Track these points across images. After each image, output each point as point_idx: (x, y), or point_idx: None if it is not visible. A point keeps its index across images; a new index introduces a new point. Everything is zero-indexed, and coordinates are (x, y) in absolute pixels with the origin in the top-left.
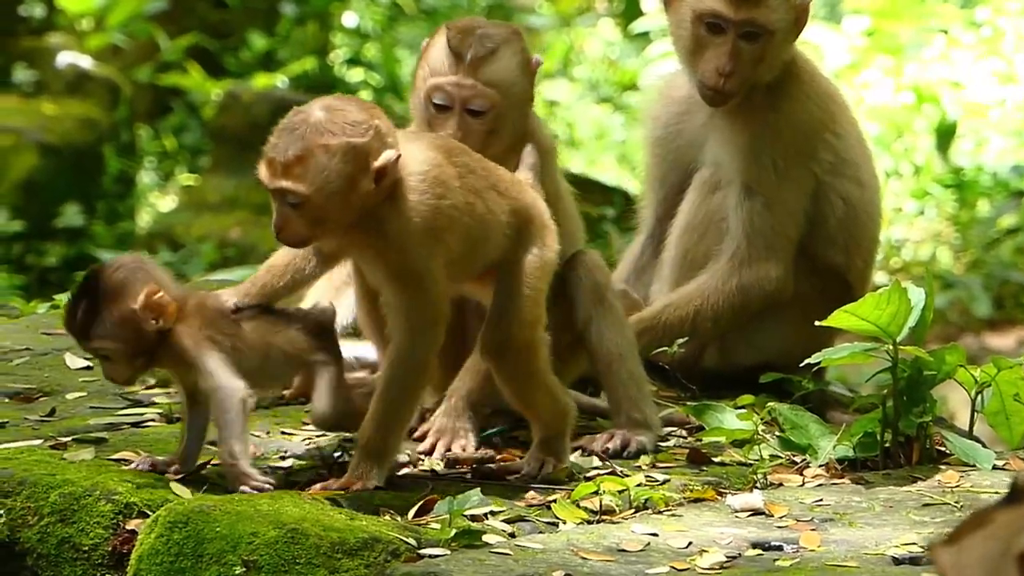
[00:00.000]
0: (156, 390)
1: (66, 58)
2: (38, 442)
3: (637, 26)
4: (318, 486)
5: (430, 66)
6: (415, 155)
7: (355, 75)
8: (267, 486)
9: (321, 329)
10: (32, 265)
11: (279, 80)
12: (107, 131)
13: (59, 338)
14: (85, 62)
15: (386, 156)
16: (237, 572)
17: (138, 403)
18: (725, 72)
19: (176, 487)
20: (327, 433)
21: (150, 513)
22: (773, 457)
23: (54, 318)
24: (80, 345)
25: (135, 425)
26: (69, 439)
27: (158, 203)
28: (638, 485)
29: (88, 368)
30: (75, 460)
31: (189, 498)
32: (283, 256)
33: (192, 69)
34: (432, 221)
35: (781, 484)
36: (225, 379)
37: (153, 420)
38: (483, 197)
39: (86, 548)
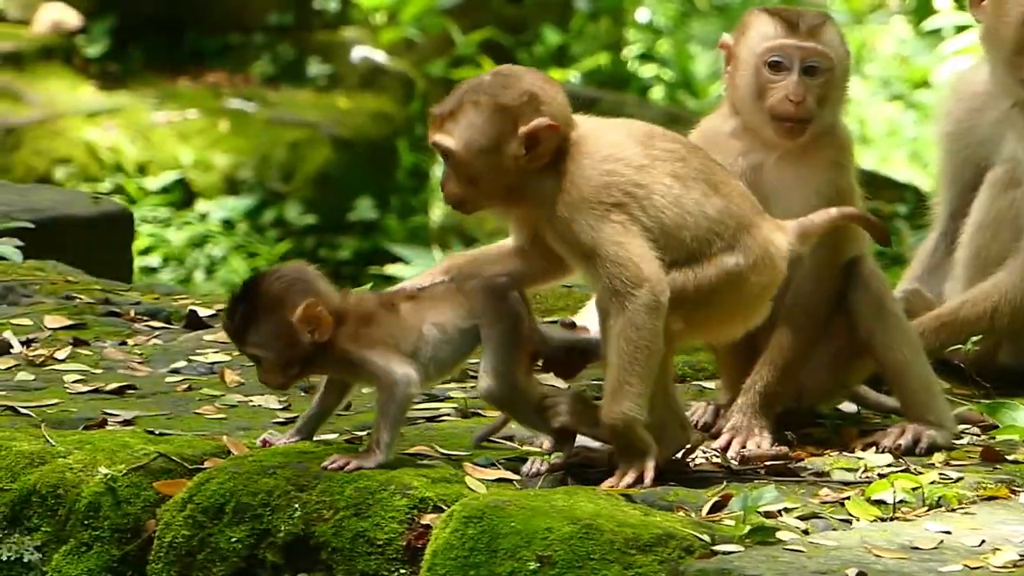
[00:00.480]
0: (452, 384)
1: (360, 52)
2: (333, 436)
3: (929, 23)
4: (607, 483)
5: (761, 34)
6: (599, 136)
7: (648, 71)
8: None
9: (492, 295)
10: (325, 259)
11: (572, 76)
12: (401, 125)
13: None
14: (379, 56)
15: (536, 122)
16: (531, 567)
17: (433, 398)
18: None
19: (471, 482)
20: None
21: (445, 508)
22: None
23: None
24: (235, 346)
25: (430, 420)
26: (364, 433)
27: None
28: (931, 483)
29: None
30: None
31: (484, 493)
32: (501, 244)
33: (485, 64)
34: (598, 194)
35: None
36: (397, 370)
37: (448, 415)
38: (687, 185)
39: (380, 542)
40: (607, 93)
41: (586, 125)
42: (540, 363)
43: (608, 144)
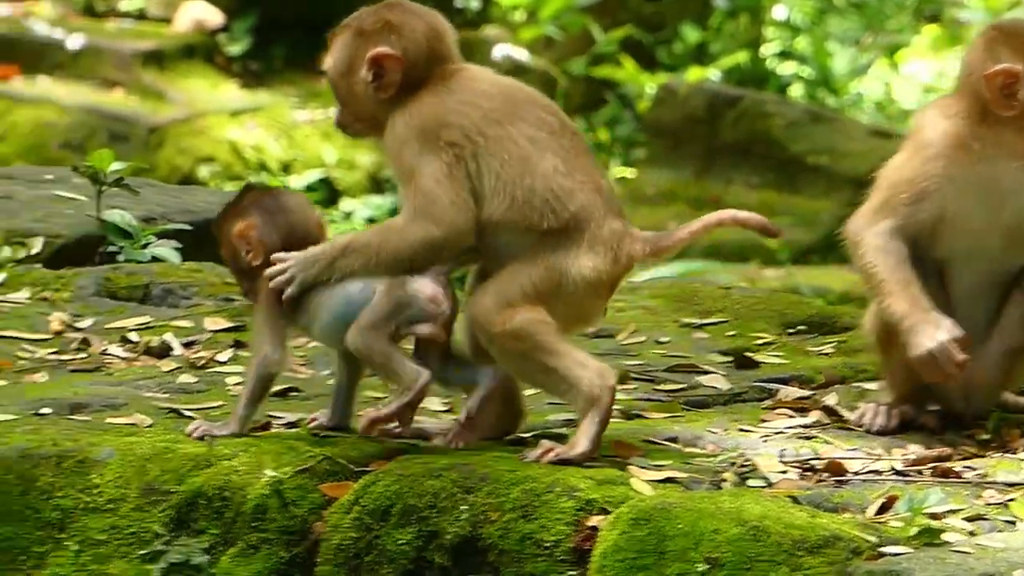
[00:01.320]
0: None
1: (502, 50)
2: (527, 435)
3: None
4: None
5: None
6: (472, 82)
7: (787, 68)
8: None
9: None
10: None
11: (712, 73)
12: None
13: None
14: (520, 54)
15: (377, 50)
16: (699, 569)
17: None
18: None
19: (636, 483)
20: None
21: (611, 509)
22: None
23: None
24: None
25: None
26: (529, 435)
27: None
28: None
29: None
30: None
31: (650, 494)
32: None
33: (625, 62)
34: (438, 128)
35: None
36: (264, 346)
37: (615, 418)
38: (543, 154)
39: (548, 544)
40: (747, 91)
41: (470, 71)
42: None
43: (474, 90)
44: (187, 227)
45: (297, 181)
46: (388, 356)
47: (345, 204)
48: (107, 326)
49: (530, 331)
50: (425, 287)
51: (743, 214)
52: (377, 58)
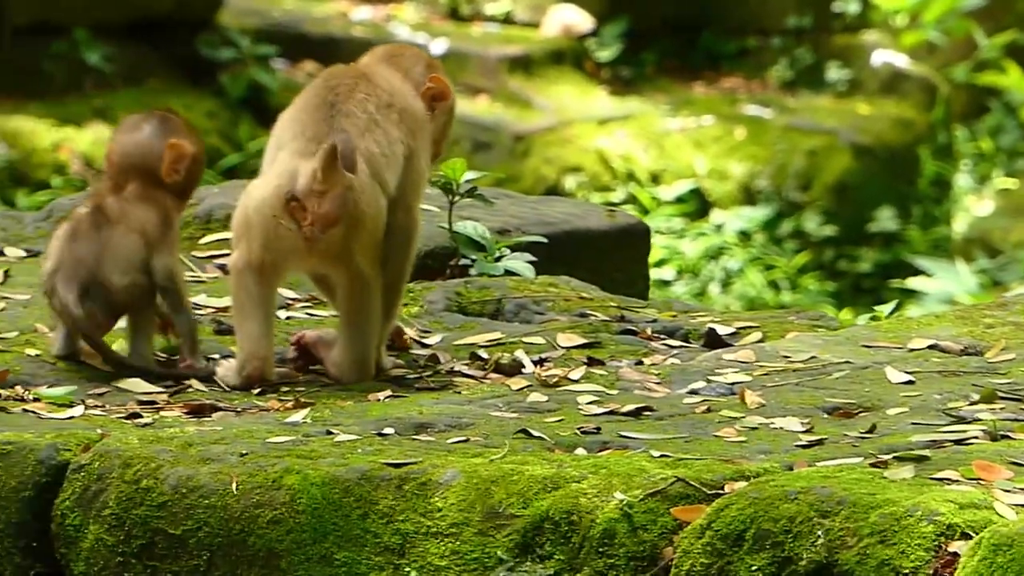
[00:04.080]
0: (980, 406)
1: (881, 56)
2: (857, 460)
3: None
4: None
5: None
6: None
7: None
8: None
9: None
10: (844, 271)
11: None
12: (923, 132)
13: (879, 351)
14: (900, 60)
15: None
16: None
17: (961, 419)
18: None
19: (1000, 507)
20: None
21: (973, 534)
22: None
23: (873, 331)
24: None
25: (958, 443)
26: (889, 456)
27: (974, 207)
28: None
29: (910, 383)
30: (896, 479)
31: (1015, 519)
32: None
33: (1010, 68)
34: None
35: None
36: None
37: (976, 437)
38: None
39: (907, 571)
40: None
41: None
42: None
43: None
44: (542, 240)
45: (667, 192)
46: None
47: (716, 216)
48: (456, 342)
49: None
50: None
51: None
52: None
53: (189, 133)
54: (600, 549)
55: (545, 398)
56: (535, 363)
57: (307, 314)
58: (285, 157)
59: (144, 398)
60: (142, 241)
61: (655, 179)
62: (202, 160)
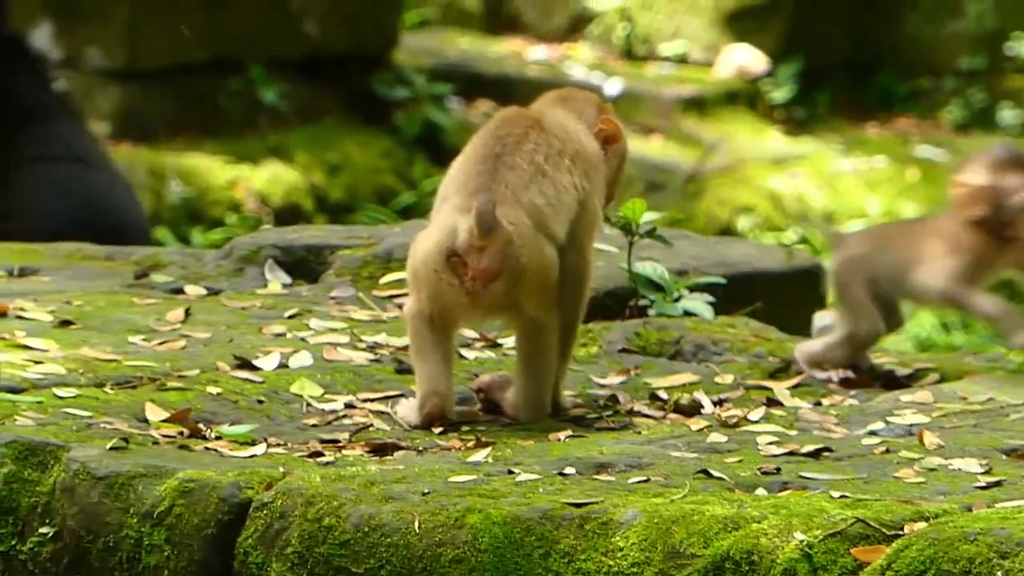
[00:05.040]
0: None
1: None
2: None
3: None
4: None
5: None
6: None
7: None
8: None
9: None
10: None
11: None
12: None
13: None
14: None
15: None
16: None
17: None
18: None
19: None
20: None
21: None
22: None
23: None
24: None
25: None
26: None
27: None
28: None
29: None
30: None
31: None
32: None
33: None
34: None
35: None
36: None
37: None
38: None
39: None
40: None
41: None
42: None
43: None
44: (721, 281)
45: None
46: None
47: None
48: (636, 382)
49: None
50: None
51: None
52: None
53: None
54: None
55: (725, 438)
56: (715, 403)
57: (499, 354)
58: (448, 211)
59: (332, 436)
60: None
61: (828, 220)
62: None
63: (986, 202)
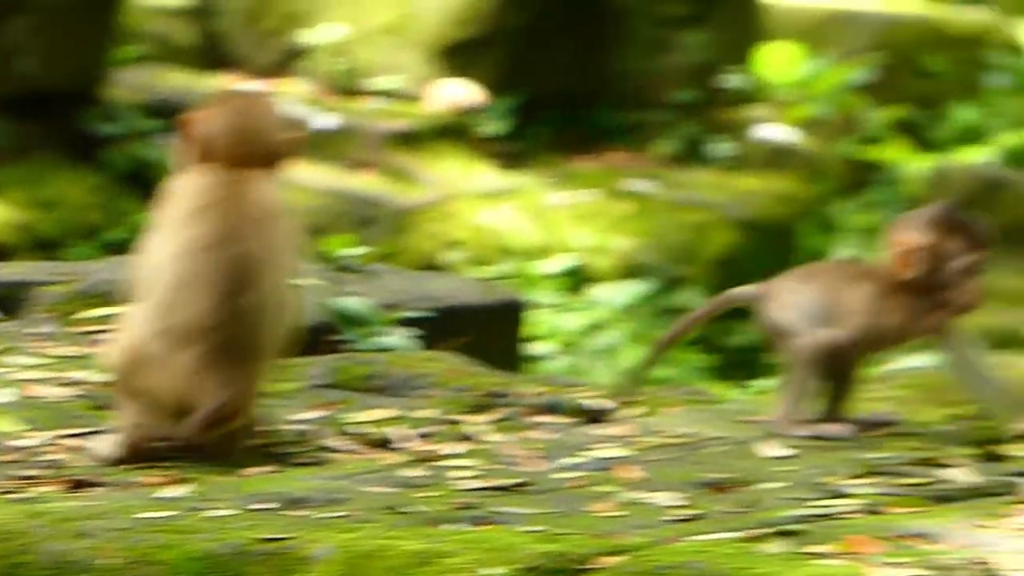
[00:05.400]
0: (855, 480)
1: (765, 131)
2: (732, 535)
3: None
4: None
5: None
6: None
7: None
8: None
9: None
10: (726, 346)
11: (985, 155)
12: (805, 206)
13: (756, 426)
14: (785, 135)
15: None
16: None
17: (836, 494)
18: None
19: None
20: None
21: None
22: None
23: (751, 405)
24: None
25: (832, 517)
26: (764, 531)
27: None
28: None
29: (786, 457)
30: (768, 553)
31: None
32: None
33: (895, 143)
34: None
35: None
36: None
37: (850, 511)
38: None
39: None
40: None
41: None
42: None
43: None
44: (427, 314)
45: (548, 267)
46: None
47: (597, 291)
48: (333, 417)
49: None
50: None
51: None
52: None
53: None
54: None
55: (421, 473)
56: (411, 438)
57: None
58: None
59: (27, 472)
60: None
61: (537, 254)
62: None
63: (923, 263)
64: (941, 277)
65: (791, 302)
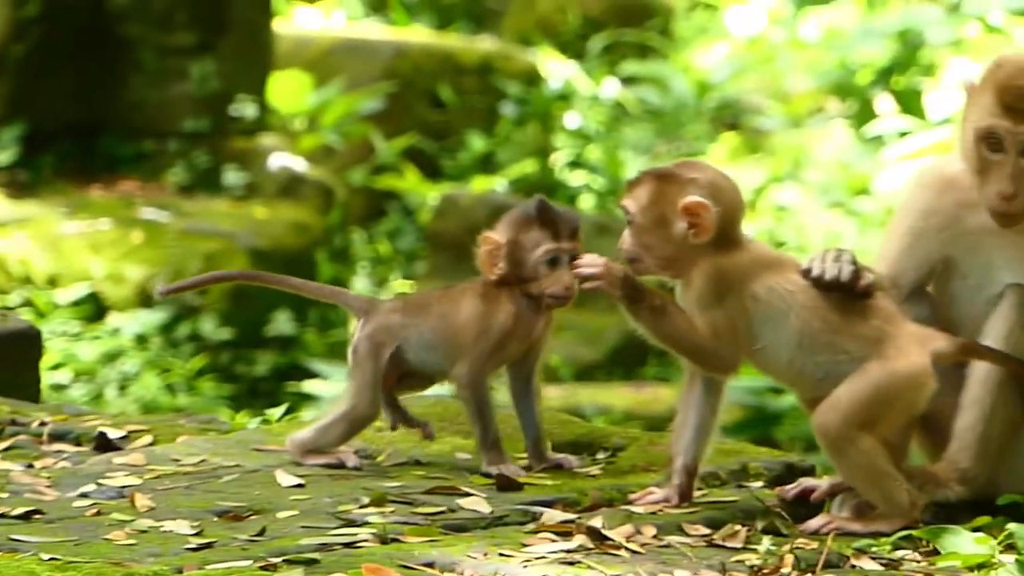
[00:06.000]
0: (370, 509)
1: (278, 160)
2: (247, 563)
3: (870, 129)
4: None
5: (984, 108)
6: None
7: (577, 178)
8: None
9: None
10: (242, 374)
11: (498, 183)
12: (320, 235)
13: (270, 454)
14: (297, 164)
15: (692, 198)
16: None
17: (351, 522)
18: (1007, 196)
19: None
20: None
21: None
22: None
23: (265, 434)
24: None
25: (347, 545)
26: (279, 559)
27: None
28: None
29: (300, 486)
30: None
31: None
32: None
33: (408, 171)
34: (720, 286)
35: None
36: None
37: (366, 540)
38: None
39: None
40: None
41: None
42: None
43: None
44: None
45: (63, 295)
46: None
47: (112, 319)
48: None
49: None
50: None
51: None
52: (692, 209)
53: None
54: None
55: None
56: None
57: None
58: None
59: None
60: None
61: (52, 282)
62: None
63: (506, 258)
64: (526, 270)
65: (415, 340)
